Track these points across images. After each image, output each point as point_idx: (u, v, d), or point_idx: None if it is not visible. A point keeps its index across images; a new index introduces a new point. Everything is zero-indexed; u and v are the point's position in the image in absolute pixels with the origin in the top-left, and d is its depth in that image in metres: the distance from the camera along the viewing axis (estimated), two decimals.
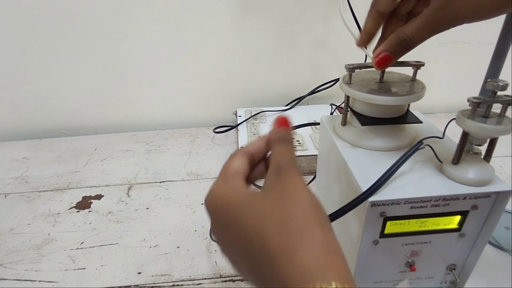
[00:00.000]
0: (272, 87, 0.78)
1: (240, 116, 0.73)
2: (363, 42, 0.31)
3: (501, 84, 0.24)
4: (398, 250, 0.30)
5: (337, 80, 0.76)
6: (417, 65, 0.31)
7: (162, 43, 0.72)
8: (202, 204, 0.55)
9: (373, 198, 0.26)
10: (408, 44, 0.26)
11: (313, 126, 0.67)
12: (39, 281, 0.43)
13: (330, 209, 0.32)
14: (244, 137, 0.65)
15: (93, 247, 0.48)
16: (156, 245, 0.47)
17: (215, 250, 0.46)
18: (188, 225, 0.51)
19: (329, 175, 0.37)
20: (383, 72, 0.32)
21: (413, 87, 0.31)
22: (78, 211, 0.54)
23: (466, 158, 0.27)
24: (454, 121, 0.27)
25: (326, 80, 0.76)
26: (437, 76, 0.77)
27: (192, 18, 0.70)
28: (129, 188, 0.59)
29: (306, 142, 0.61)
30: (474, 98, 0.24)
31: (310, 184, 0.54)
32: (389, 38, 0.27)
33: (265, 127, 0.68)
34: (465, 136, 0.26)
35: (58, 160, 0.69)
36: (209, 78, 0.77)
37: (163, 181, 0.61)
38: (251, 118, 0.71)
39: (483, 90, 0.30)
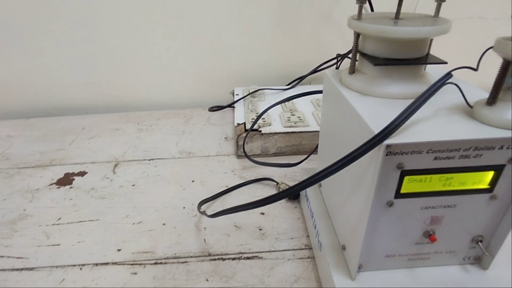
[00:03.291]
0: (273, 65, 0.74)
1: (237, 94, 0.68)
2: None
3: None
4: (415, 215, 0.25)
5: (341, 55, 0.71)
6: None
7: (155, 16, 0.68)
8: (193, 181, 0.50)
9: (389, 141, 0.21)
10: None
11: (315, 104, 0.62)
12: (8, 257, 0.38)
13: (336, 176, 0.26)
14: (240, 114, 0.60)
15: (71, 223, 0.43)
16: (140, 222, 0.43)
17: (205, 228, 0.41)
18: (176, 202, 0.46)
19: (334, 137, 0.32)
20: (398, 9, 0.27)
21: (437, 21, 0.26)
22: (58, 187, 0.50)
23: (504, 96, 0.22)
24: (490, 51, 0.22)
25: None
26: (451, 53, 0.72)
27: None
28: (116, 165, 0.55)
29: (308, 119, 0.56)
30: None
31: (310, 157, 0.50)
32: None
33: (264, 105, 0.63)
34: (505, 66, 0.21)
35: (43, 139, 0.64)
36: (206, 54, 0.72)
37: (152, 159, 0.56)
38: (248, 96, 0.67)
39: None
